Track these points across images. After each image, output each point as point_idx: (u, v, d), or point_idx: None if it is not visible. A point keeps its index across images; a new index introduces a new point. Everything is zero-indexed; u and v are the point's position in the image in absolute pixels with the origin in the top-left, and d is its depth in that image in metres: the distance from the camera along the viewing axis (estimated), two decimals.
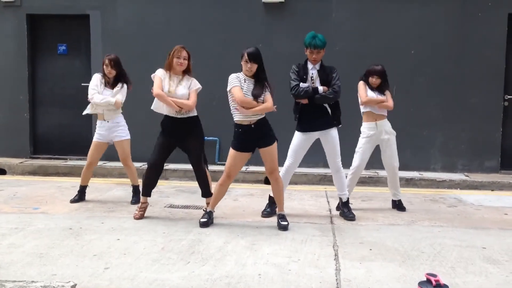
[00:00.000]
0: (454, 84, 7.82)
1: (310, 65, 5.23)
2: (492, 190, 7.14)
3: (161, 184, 7.13)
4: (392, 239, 4.52)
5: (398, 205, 5.77)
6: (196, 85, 5.08)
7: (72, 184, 6.80)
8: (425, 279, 3.31)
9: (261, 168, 6.93)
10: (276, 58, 7.61)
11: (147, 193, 5.22)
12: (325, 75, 5.17)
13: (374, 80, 5.49)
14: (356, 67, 7.26)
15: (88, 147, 5.90)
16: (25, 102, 8.52)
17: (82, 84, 8.32)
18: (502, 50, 7.72)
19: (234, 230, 4.76)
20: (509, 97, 7.87)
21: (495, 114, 7.81)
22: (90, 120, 7.90)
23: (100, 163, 7.93)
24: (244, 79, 4.76)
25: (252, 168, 7.62)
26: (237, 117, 4.77)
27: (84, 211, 5.44)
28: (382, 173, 7.57)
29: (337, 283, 3.44)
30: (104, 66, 5.64)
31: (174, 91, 4.93)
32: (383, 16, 7.87)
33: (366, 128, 5.56)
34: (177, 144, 5.12)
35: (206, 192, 5.26)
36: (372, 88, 5.54)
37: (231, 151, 4.83)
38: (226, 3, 8.10)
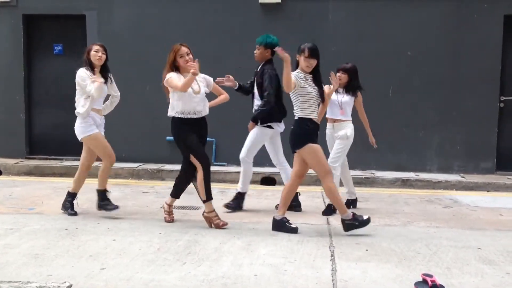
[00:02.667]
0: (450, 85, 7.84)
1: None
2: (488, 191, 7.16)
3: (157, 184, 7.14)
4: (388, 240, 4.53)
5: (348, 204, 5.58)
6: (209, 78, 5.07)
7: (68, 184, 6.77)
8: (421, 279, 3.32)
9: (258, 169, 6.95)
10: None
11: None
12: (259, 77, 5.48)
13: (339, 75, 5.46)
14: None
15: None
16: (21, 102, 8.51)
17: None
18: (498, 52, 7.75)
19: (230, 230, 4.75)
20: (504, 98, 7.91)
21: (491, 115, 7.83)
22: None
23: (95, 163, 7.90)
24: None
25: None
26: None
27: (80, 212, 5.42)
28: (378, 174, 7.60)
29: (333, 284, 3.44)
30: None
31: (199, 91, 4.84)
32: (379, 17, 7.88)
33: (327, 127, 5.70)
34: None
35: (175, 193, 5.16)
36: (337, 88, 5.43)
37: None
38: (223, 3, 8.10)
